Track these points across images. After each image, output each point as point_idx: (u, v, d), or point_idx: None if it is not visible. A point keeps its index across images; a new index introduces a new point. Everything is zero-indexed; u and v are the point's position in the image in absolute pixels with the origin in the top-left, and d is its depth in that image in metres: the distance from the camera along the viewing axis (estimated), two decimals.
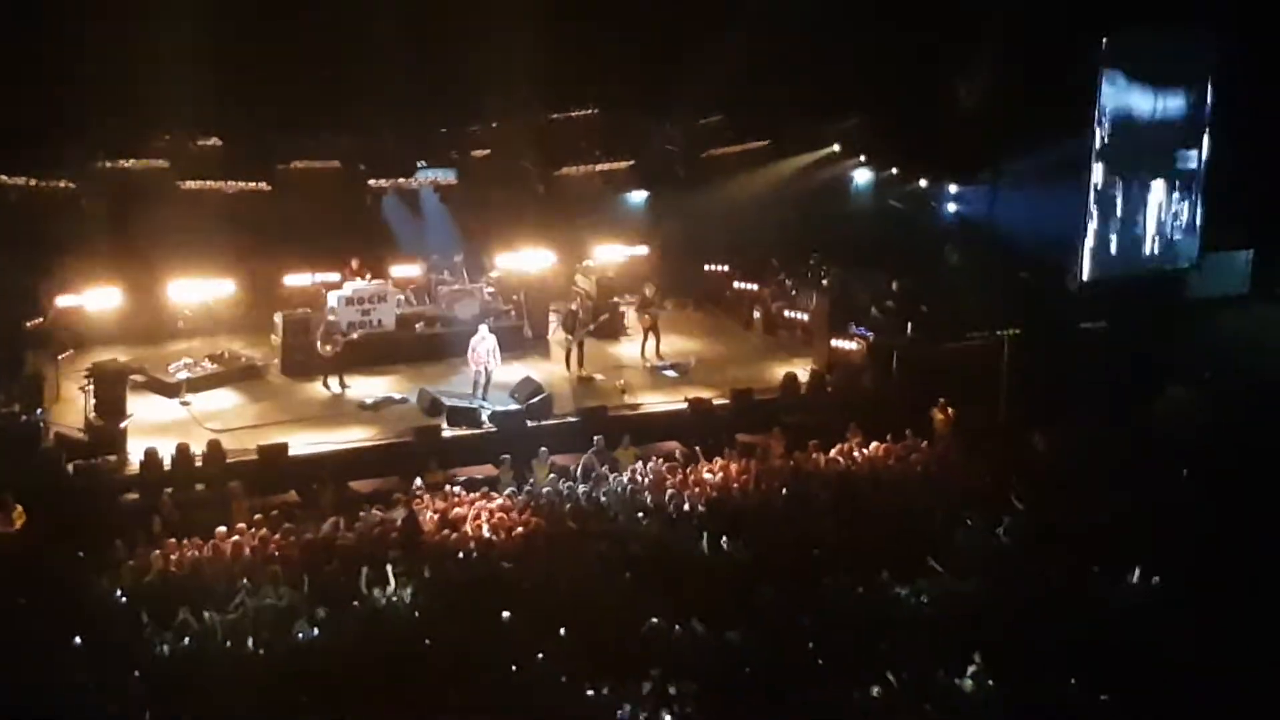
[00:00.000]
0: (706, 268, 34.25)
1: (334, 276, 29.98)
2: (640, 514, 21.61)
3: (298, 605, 18.16)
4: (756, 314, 32.59)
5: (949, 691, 16.32)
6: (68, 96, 28.04)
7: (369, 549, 20.02)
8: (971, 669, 16.55)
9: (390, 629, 17.85)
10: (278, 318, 28.86)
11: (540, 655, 16.84)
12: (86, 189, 29.70)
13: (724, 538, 20.31)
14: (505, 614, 17.93)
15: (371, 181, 32.17)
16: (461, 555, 20.01)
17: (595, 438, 24.58)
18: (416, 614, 18.22)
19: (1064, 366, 27.38)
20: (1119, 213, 33.20)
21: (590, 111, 34.43)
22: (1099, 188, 32.67)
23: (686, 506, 21.83)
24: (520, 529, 20.92)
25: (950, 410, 26.02)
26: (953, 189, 35.93)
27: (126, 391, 25.09)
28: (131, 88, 28.07)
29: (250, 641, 17.31)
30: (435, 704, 15.83)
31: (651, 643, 17.33)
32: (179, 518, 21.42)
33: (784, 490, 22.66)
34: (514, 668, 16.65)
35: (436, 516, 21.50)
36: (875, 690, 16.27)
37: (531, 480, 23.27)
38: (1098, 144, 32.46)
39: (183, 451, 23.43)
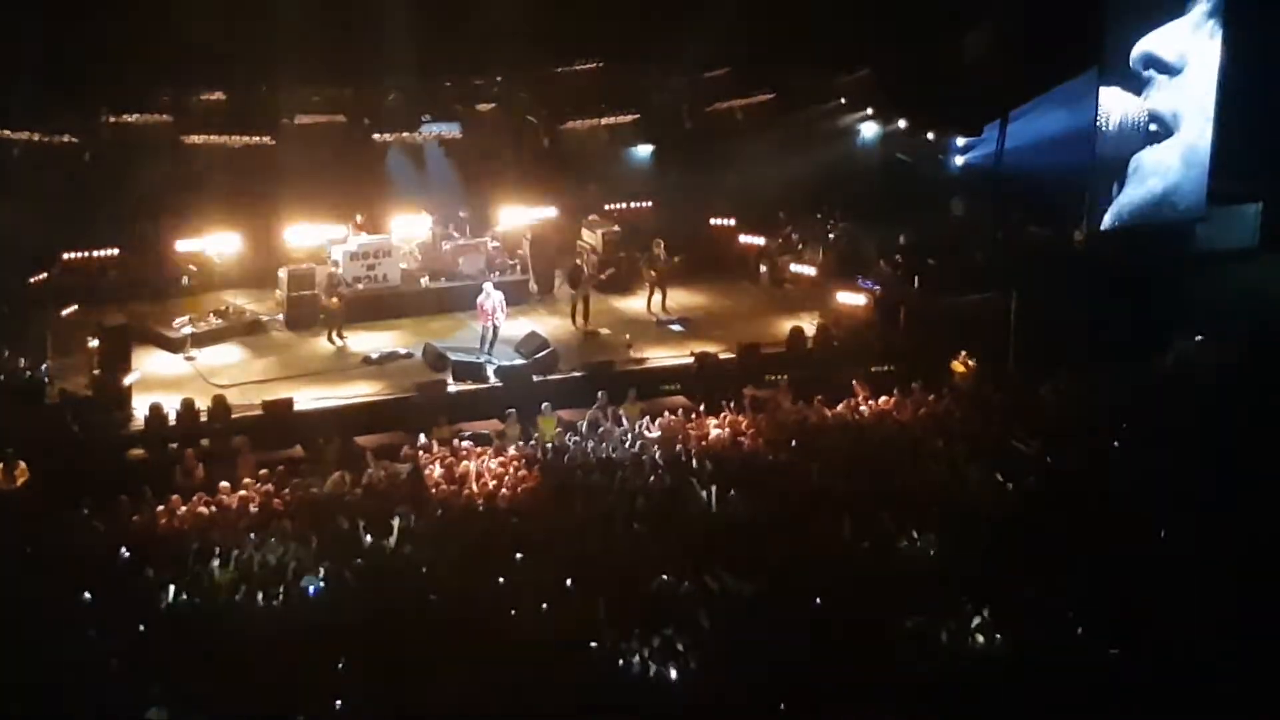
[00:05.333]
0: (712, 221, 34.06)
1: (339, 231, 29.86)
2: (647, 468, 21.59)
3: (304, 559, 18.19)
4: (763, 268, 32.41)
5: (956, 643, 16.32)
6: (70, 51, 27.88)
7: (375, 504, 20.02)
8: (978, 621, 16.54)
9: (397, 582, 17.87)
10: (282, 272, 28.79)
11: (545, 606, 16.88)
12: (90, 144, 29.54)
13: (731, 491, 20.30)
14: (519, 556, 18.03)
15: (376, 136, 31.96)
16: (468, 510, 20.00)
17: (601, 392, 24.52)
18: (423, 568, 18.23)
19: (1071, 319, 27.26)
20: (1126, 165, 32.97)
21: (595, 64, 34.16)
22: (1105, 138, 32.43)
23: (694, 461, 21.80)
24: (526, 484, 20.90)
25: (971, 362, 25.95)
26: (960, 142, 35.71)
27: (131, 347, 25.04)
28: (135, 42, 27.90)
29: (259, 596, 17.36)
30: (441, 657, 15.83)
31: (660, 597, 17.33)
32: (203, 474, 21.44)
33: (791, 444, 22.63)
34: (520, 620, 16.66)
35: (443, 471, 21.51)
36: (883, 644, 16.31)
37: (537, 435, 23.25)
38: (1104, 93, 32.20)
39: (188, 407, 23.41)
